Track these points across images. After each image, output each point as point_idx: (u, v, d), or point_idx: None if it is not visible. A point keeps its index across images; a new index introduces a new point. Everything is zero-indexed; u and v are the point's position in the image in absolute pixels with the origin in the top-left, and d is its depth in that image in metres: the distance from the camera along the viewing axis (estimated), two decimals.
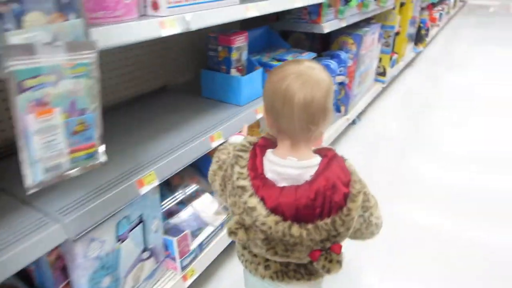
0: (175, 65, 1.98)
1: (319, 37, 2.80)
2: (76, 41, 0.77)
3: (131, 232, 1.21)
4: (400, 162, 2.73)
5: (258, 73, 1.73)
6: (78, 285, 1.07)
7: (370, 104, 3.58)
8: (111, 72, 1.65)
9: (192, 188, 1.67)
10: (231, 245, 1.71)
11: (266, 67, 1.90)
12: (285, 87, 0.81)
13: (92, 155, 0.87)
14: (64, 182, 0.84)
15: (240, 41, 1.64)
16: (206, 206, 1.64)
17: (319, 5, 2.06)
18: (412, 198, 2.32)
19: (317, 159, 0.85)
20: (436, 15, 5.74)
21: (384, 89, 3.85)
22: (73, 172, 0.84)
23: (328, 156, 0.85)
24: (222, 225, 1.64)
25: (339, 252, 0.84)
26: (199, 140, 1.38)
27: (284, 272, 0.93)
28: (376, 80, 3.63)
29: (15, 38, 0.68)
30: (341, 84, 2.75)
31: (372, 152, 2.90)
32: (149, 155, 1.26)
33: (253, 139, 0.93)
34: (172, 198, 1.60)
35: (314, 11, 2.11)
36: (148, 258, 1.32)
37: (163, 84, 1.94)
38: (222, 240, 1.63)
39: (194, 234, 1.54)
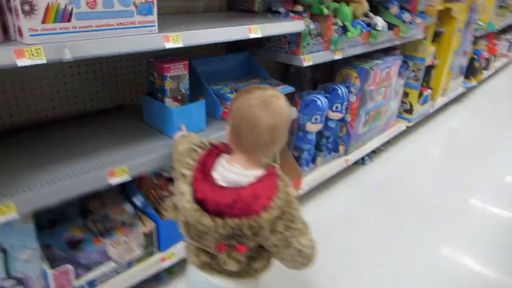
0: (136, 84, 1.90)
1: (323, 67, 2.56)
2: None
3: None
4: (407, 218, 2.34)
5: (198, 105, 1.58)
6: None
7: (391, 143, 3.23)
8: (60, 85, 1.65)
9: (109, 218, 1.58)
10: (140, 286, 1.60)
11: (223, 99, 1.75)
12: (255, 115, 0.95)
13: None
14: None
15: (178, 70, 1.51)
16: (118, 241, 1.53)
17: (298, 35, 1.85)
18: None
19: (260, 171, 1.00)
20: (504, 45, 5.02)
21: (411, 128, 3.44)
22: None
23: (268, 172, 0.99)
24: (130, 264, 1.53)
25: (241, 252, 0.97)
26: (93, 174, 1.27)
27: (209, 264, 1.04)
28: (400, 117, 3.25)
29: None
30: (341, 121, 2.48)
31: (375, 199, 2.52)
32: (23, 183, 1.19)
33: (215, 141, 1.10)
34: (84, 225, 1.52)
35: (293, 41, 1.90)
36: (13, 286, 1.26)
37: (121, 103, 1.88)
38: (128, 278, 1.52)
39: (89, 268, 1.45)
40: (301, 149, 2.28)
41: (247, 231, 0.94)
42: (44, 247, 1.39)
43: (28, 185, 1.18)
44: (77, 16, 1.06)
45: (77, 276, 1.40)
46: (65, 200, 1.22)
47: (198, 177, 0.99)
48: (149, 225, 1.57)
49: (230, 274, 1.04)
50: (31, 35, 0.99)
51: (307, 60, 1.90)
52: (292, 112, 1.09)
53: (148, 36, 1.22)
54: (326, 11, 2.01)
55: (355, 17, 2.31)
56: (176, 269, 1.80)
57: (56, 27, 1.03)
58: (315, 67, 2.58)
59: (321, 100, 2.12)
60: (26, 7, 0.96)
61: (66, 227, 1.48)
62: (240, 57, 2.07)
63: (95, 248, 1.49)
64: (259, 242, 0.99)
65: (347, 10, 2.17)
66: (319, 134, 2.46)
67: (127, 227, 1.59)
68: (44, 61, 1.01)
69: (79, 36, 1.08)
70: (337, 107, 2.33)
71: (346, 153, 2.60)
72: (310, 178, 2.32)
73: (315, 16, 2.03)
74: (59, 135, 1.53)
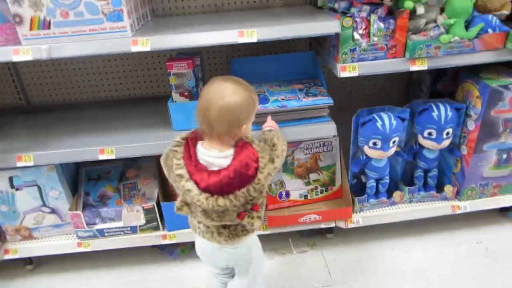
0: None
1: (450, 76, 1.89)
2: None
3: (26, 188, 1.72)
4: None
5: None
6: None
7: None
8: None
9: (136, 187, 1.91)
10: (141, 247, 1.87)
11: None
12: (204, 91, 1.12)
13: None
14: None
15: (181, 68, 1.59)
16: (133, 208, 1.84)
17: (336, 36, 1.49)
18: None
19: (232, 149, 1.13)
20: None
21: None
22: None
23: (239, 145, 1.13)
24: (134, 228, 1.82)
25: (257, 210, 1.18)
26: (87, 149, 1.61)
27: (228, 235, 1.23)
28: None
29: None
30: (452, 153, 1.81)
31: (490, 276, 1.75)
32: (51, 144, 1.66)
33: (185, 134, 1.21)
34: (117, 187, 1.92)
35: (335, 45, 1.54)
36: (49, 212, 1.80)
37: None
38: (130, 240, 1.83)
39: (104, 221, 1.84)
40: (367, 175, 1.84)
41: (255, 193, 1.11)
42: (84, 193, 1.89)
43: (52, 146, 1.64)
44: (55, 24, 1.36)
45: (94, 223, 1.83)
46: (64, 161, 1.64)
47: (192, 171, 1.11)
48: (150, 203, 1.79)
49: (241, 235, 1.23)
50: (24, 39, 1.38)
51: (350, 69, 1.51)
52: (244, 100, 1.10)
53: (117, 40, 1.39)
54: (409, 5, 1.49)
55: (487, 10, 1.57)
56: (188, 251, 1.98)
57: (40, 33, 1.37)
58: (438, 76, 1.95)
59: (384, 121, 1.62)
60: (17, 19, 1.34)
61: (104, 183, 1.92)
62: (300, 57, 1.86)
63: (115, 206, 1.86)
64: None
65: (460, 1, 1.50)
66: (412, 164, 1.89)
67: (145, 199, 1.88)
68: (30, 58, 1.39)
69: (60, 40, 1.39)
70: (430, 134, 1.71)
71: (458, 197, 1.87)
72: (376, 213, 1.86)
73: (396, 12, 1.55)
74: (112, 113, 1.96)
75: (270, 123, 1.42)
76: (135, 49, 1.40)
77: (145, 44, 1.40)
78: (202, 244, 1.32)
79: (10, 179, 1.70)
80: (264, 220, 1.84)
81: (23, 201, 1.76)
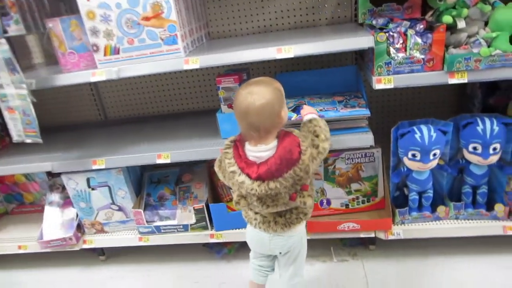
0: None
1: (505, 89, 1.83)
2: (18, 84, 1.65)
3: (99, 188, 2.02)
4: None
5: None
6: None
7: None
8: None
9: (190, 190, 2.12)
10: (190, 244, 2.08)
11: None
12: (237, 104, 1.29)
13: (35, 136, 1.76)
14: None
15: (229, 82, 1.75)
16: (186, 208, 2.05)
17: (371, 51, 1.55)
18: None
19: (275, 140, 1.30)
20: None
21: None
22: (29, 140, 1.77)
23: (281, 135, 1.30)
24: (186, 227, 2.03)
25: (307, 189, 1.32)
26: (147, 154, 1.86)
27: (284, 223, 1.38)
28: None
29: None
30: (505, 171, 1.73)
31: None
32: (119, 151, 1.94)
33: (233, 137, 1.40)
34: (173, 189, 2.16)
35: (371, 58, 1.59)
36: (117, 210, 2.09)
37: None
38: (182, 237, 2.05)
39: (161, 219, 2.08)
40: (409, 188, 1.83)
41: (301, 173, 1.25)
42: (146, 194, 2.15)
43: (120, 152, 1.93)
44: (123, 50, 1.63)
45: (153, 220, 2.08)
46: (129, 165, 1.90)
47: (243, 166, 1.28)
48: (200, 204, 1.99)
49: (296, 223, 1.38)
50: (99, 63, 1.67)
51: (385, 82, 1.55)
52: (271, 94, 1.26)
53: (172, 60, 1.61)
54: (448, 19, 1.51)
55: None
56: (234, 251, 2.13)
57: (111, 58, 1.65)
58: (491, 90, 1.89)
59: (423, 133, 1.62)
60: (95, 48, 1.63)
61: (163, 186, 2.17)
62: (343, 71, 1.94)
63: (171, 207, 2.10)
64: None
65: (504, 14, 1.48)
66: (460, 180, 1.84)
67: (197, 201, 2.08)
68: (104, 78, 1.67)
69: (127, 62, 1.65)
70: (475, 148, 1.66)
71: (511, 217, 1.77)
72: (418, 227, 1.83)
73: (435, 27, 1.56)
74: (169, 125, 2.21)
75: (307, 110, 1.56)
76: (186, 67, 1.60)
77: (195, 62, 1.60)
78: (257, 234, 1.44)
79: (88, 180, 2.02)
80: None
81: (97, 199, 2.06)
